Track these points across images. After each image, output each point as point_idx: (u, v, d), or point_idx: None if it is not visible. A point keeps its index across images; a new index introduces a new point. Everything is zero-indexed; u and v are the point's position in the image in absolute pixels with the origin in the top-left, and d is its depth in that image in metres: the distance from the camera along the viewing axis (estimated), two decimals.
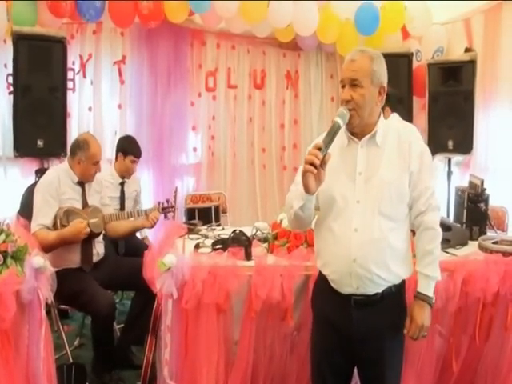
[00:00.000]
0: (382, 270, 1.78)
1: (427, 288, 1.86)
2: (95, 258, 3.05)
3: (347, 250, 1.76)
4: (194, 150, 4.95)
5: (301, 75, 5.13)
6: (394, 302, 1.85)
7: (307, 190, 1.65)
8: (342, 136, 1.82)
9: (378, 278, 1.79)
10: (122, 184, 3.75)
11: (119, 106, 4.63)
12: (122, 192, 3.74)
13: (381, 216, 1.77)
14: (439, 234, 1.89)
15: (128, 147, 3.70)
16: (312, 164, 1.60)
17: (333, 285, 1.84)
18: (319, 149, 1.61)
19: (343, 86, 1.77)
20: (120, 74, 4.60)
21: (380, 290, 1.81)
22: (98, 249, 3.08)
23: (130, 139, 3.83)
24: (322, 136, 1.72)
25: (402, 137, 1.85)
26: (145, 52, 4.64)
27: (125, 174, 3.73)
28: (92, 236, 2.96)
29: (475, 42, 4.22)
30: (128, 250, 3.59)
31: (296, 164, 5.10)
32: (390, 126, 1.86)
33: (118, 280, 3.05)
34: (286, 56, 5.10)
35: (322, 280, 1.89)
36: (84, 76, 4.50)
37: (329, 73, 5.15)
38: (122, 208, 3.68)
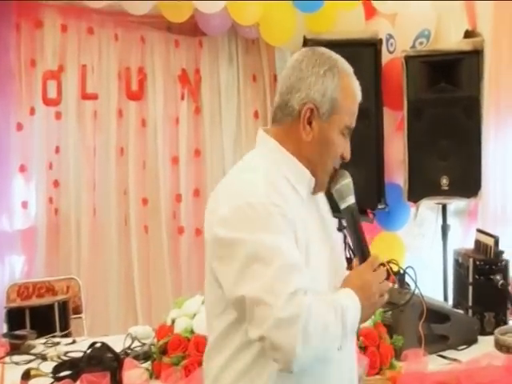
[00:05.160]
0: None
1: None
2: None
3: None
4: (24, 205, 4.90)
5: (204, 77, 5.25)
6: None
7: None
8: (299, 188, 1.92)
9: None
10: None
11: None
12: None
13: None
14: None
15: None
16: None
17: None
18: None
19: (345, 134, 1.93)
20: None
21: None
22: None
23: None
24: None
25: None
26: None
27: None
28: None
29: (481, 23, 4.50)
30: None
31: (201, 224, 5.11)
32: None
33: None
34: (179, 45, 5.22)
35: None
36: None
37: (249, 72, 5.31)
38: None
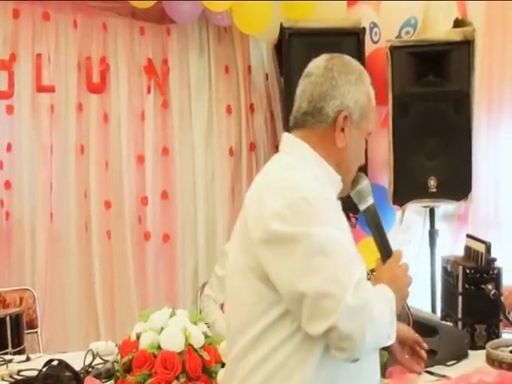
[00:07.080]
0: None
1: None
2: None
3: None
4: None
5: (173, 68, 5.26)
6: None
7: None
8: (330, 190, 2.11)
9: None
10: None
11: None
12: None
13: None
14: None
15: None
16: None
17: None
18: None
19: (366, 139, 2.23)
20: None
21: None
22: None
23: None
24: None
25: None
26: None
27: None
28: None
29: (472, 11, 4.56)
30: None
31: (169, 229, 5.13)
32: None
33: None
34: (145, 33, 5.22)
35: None
36: None
37: (222, 63, 5.31)
38: None
